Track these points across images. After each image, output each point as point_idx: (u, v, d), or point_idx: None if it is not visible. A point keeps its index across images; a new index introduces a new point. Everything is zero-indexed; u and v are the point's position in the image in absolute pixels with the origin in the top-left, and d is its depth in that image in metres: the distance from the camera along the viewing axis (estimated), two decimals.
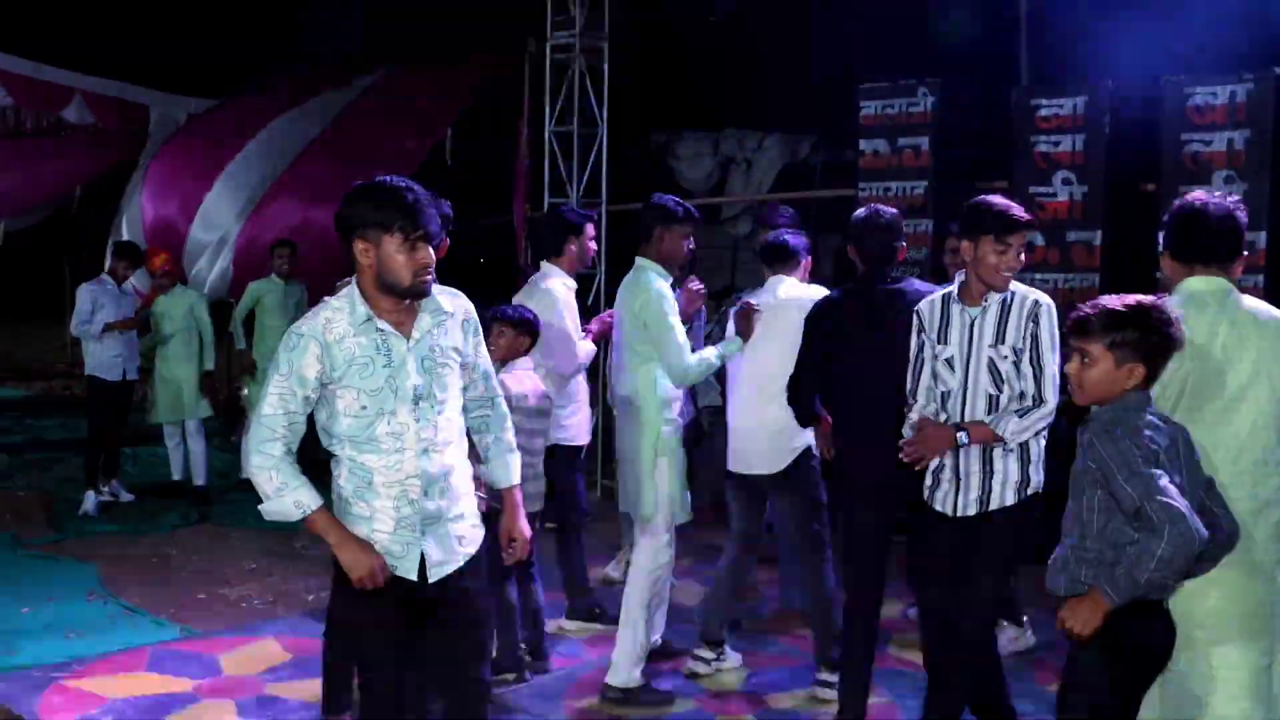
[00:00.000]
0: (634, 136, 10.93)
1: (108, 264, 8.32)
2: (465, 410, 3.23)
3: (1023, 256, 3.86)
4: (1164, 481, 2.77)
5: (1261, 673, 3.15)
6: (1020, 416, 3.73)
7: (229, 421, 9.85)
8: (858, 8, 9.00)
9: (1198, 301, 3.21)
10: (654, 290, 4.61)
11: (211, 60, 13.98)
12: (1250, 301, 3.33)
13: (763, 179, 10.55)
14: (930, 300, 4.02)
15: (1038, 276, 6.54)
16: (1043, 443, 3.86)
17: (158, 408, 8.28)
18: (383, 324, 3.00)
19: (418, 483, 3.03)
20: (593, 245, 5.43)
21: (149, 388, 8.45)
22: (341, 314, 3.01)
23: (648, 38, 10.60)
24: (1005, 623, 5.17)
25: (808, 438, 4.74)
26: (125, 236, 9.71)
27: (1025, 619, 5.34)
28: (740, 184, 10.66)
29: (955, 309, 3.91)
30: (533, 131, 9.60)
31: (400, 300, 3.01)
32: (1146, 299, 2.96)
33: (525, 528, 3.36)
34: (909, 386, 4.01)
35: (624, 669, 4.64)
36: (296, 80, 11.33)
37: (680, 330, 4.61)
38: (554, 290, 5.20)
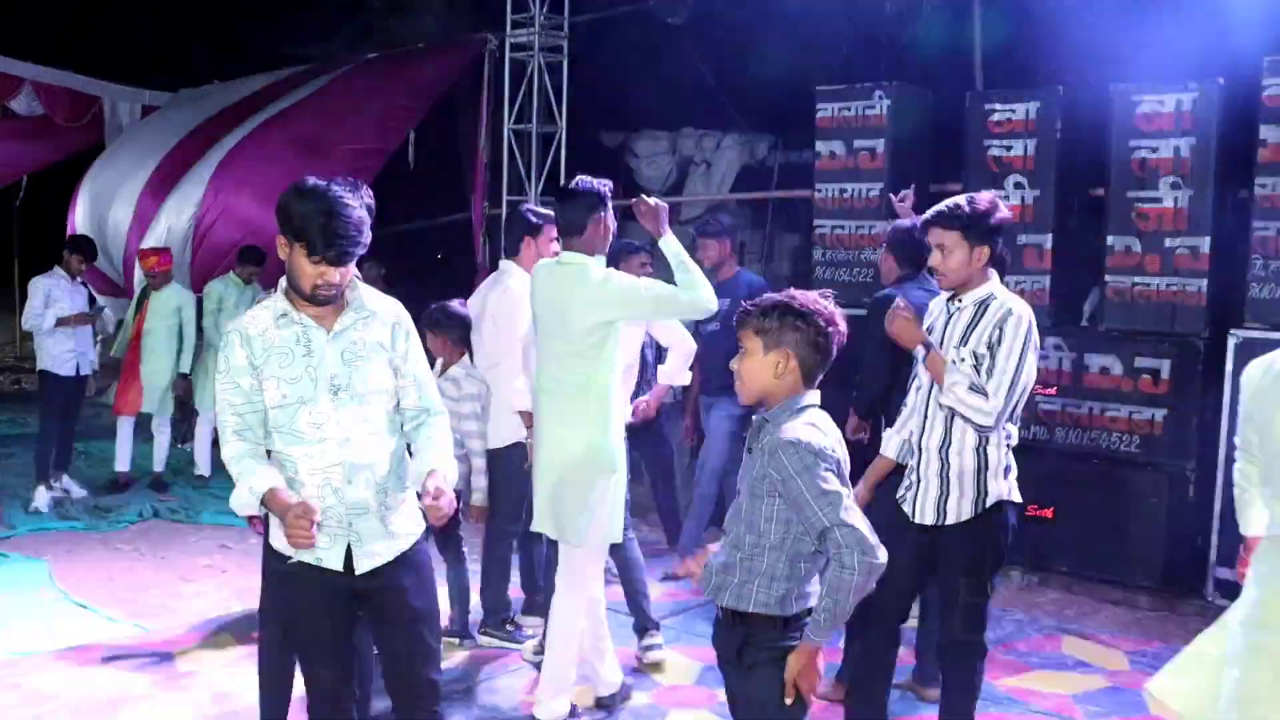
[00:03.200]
0: (592, 135, 10.97)
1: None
2: (403, 418, 3.27)
3: (949, 255, 3.74)
4: (849, 501, 2.73)
5: None
6: (968, 386, 3.63)
7: (184, 420, 9.76)
8: (816, 11, 9.07)
9: None
10: (595, 275, 4.17)
11: (168, 51, 13.83)
12: None
13: (723, 179, 10.62)
14: (937, 297, 4.01)
15: None
16: (1005, 452, 3.78)
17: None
18: (301, 317, 3.11)
19: (339, 471, 3.11)
20: (554, 245, 5.38)
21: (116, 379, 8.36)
22: (267, 310, 3.15)
23: (607, 36, 10.64)
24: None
25: None
26: (85, 232, 9.60)
27: None
28: (700, 184, 10.72)
29: (945, 305, 3.88)
30: (492, 129, 9.62)
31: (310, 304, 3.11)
32: (801, 293, 2.89)
33: (449, 491, 3.12)
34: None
35: (551, 700, 4.38)
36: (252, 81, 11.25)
37: (649, 280, 4.36)
38: (514, 289, 5.19)
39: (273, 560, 3.18)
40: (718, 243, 6.51)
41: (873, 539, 2.68)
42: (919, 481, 3.84)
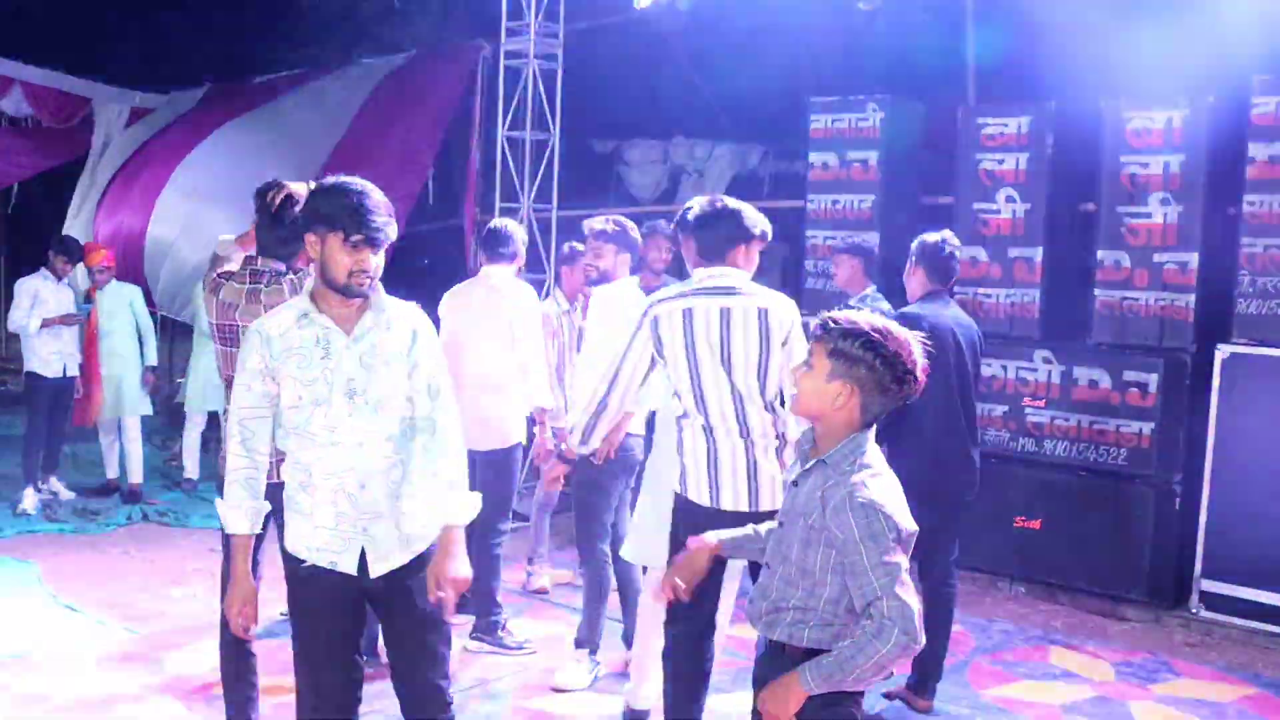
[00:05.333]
0: (585, 142, 10.99)
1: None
2: (412, 428, 3.19)
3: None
4: (905, 574, 2.48)
5: None
6: None
7: (171, 420, 9.74)
8: (810, 23, 9.12)
9: None
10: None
11: (159, 53, 13.81)
12: None
13: (714, 189, 10.66)
14: None
15: (980, 291, 6.71)
16: (679, 444, 3.85)
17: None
18: (323, 319, 3.09)
19: (354, 476, 3.09)
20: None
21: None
22: (290, 310, 3.13)
23: (600, 45, 10.67)
24: None
25: None
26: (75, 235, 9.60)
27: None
28: (692, 193, 10.74)
29: None
30: (484, 135, 9.63)
31: (343, 298, 3.08)
32: (897, 331, 2.58)
33: (459, 570, 3.12)
34: None
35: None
36: (252, 87, 11.24)
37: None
38: (514, 296, 5.28)
39: (288, 562, 3.19)
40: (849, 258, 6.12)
41: (919, 621, 2.48)
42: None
